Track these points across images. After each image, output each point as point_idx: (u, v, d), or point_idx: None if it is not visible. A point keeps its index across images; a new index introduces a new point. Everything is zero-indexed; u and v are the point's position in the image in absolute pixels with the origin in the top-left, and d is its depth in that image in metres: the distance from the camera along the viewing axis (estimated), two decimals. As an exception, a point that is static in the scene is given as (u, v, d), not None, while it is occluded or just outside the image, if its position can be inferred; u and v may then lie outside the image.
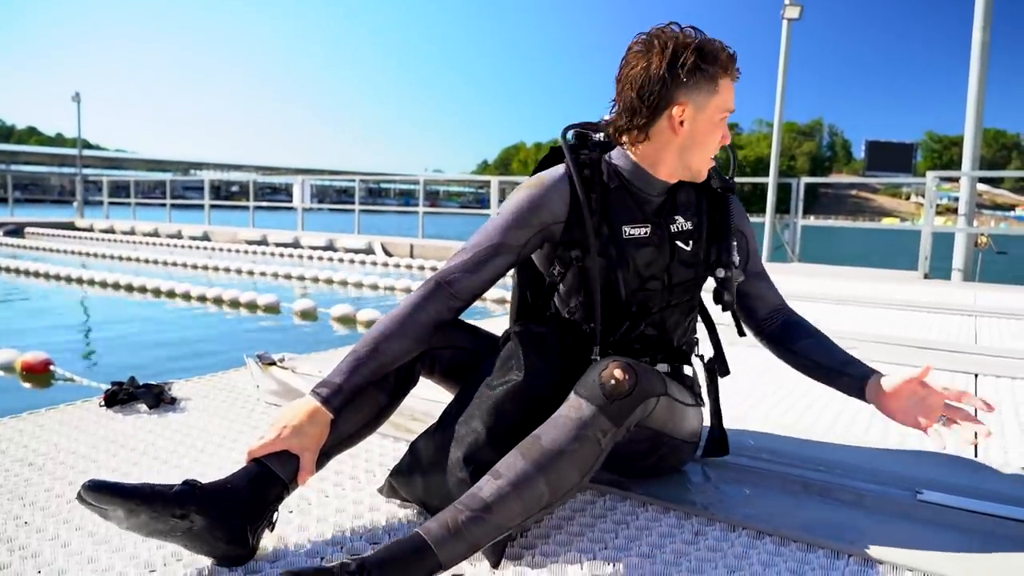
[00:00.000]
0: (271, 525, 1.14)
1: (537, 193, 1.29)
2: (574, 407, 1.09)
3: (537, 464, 1.04)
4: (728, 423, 1.84)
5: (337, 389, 1.18)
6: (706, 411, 1.47)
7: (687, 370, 1.43)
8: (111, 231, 16.40)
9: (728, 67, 1.26)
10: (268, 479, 1.11)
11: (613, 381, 1.09)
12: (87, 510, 1.02)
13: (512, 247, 1.28)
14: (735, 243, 1.38)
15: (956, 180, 8.55)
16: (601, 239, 1.30)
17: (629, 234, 1.30)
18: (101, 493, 0.99)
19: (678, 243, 1.34)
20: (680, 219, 1.34)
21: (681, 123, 1.25)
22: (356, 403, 1.22)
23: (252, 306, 6.45)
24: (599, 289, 1.29)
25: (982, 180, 9.23)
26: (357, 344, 1.24)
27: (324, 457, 1.21)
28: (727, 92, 1.27)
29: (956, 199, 8.29)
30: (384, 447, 1.65)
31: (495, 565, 1.09)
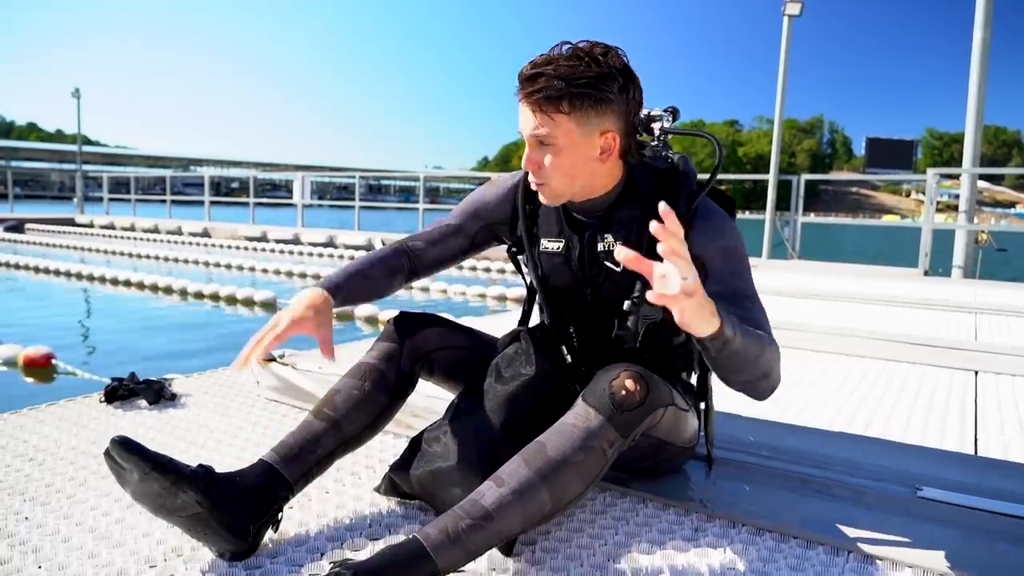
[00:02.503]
0: (275, 524, 1.15)
1: (490, 191, 1.41)
2: (581, 416, 1.07)
3: (540, 473, 1.03)
4: (728, 419, 1.84)
5: (337, 286, 1.27)
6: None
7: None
8: (111, 227, 16.39)
9: (519, 90, 1.17)
10: (276, 479, 1.14)
11: (624, 391, 1.06)
12: (108, 465, 1.07)
13: (466, 233, 1.41)
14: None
15: (957, 177, 8.54)
16: (530, 247, 1.35)
17: (544, 247, 1.34)
18: (126, 450, 1.04)
19: (607, 263, 1.27)
20: (610, 237, 1.26)
21: None
22: (358, 405, 1.26)
23: (251, 302, 6.44)
24: (539, 291, 1.36)
25: (983, 177, 9.22)
26: (344, 266, 1.34)
27: (328, 459, 1.23)
28: (521, 114, 1.19)
29: (956, 196, 8.28)
30: (384, 443, 1.65)
31: (507, 553, 1.12)
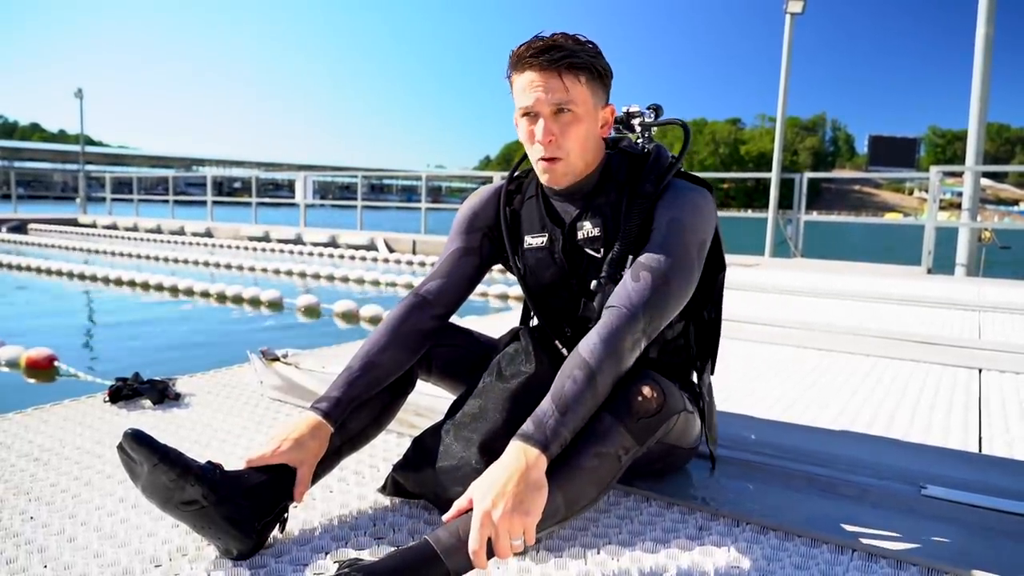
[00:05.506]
0: (282, 524, 1.15)
1: (475, 202, 1.40)
2: (597, 421, 1.07)
3: (554, 479, 1.02)
4: (732, 418, 1.84)
5: (336, 403, 1.21)
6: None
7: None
8: (114, 227, 16.42)
9: (517, 63, 1.18)
10: (282, 478, 1.14)
11: (641, 398, 1.06)
12: (120, 458, 1.07)
13: (472, 248, 1.37)
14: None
15: (960, 175, 8.52)
16: (514, 248, 1.35)
17: (528, 244, 1.34)
18: (137, 442, 1.04)
19: (588, 251, 1.27)
20: (587, 225, 1.26)
21: (517, 126, 1.26)
22: (360, 402, 1.26)
23: (255, 302, 6.45)
24: (524, 292, 1.36)
25: (986, 175, 9.19)
26: (351, 359, 1.27)
27: (334, 458, 1.23)
28: (517, 88, 1.19)
29: (960, 194, 8.26)
30: (388, 443, 1.65)
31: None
